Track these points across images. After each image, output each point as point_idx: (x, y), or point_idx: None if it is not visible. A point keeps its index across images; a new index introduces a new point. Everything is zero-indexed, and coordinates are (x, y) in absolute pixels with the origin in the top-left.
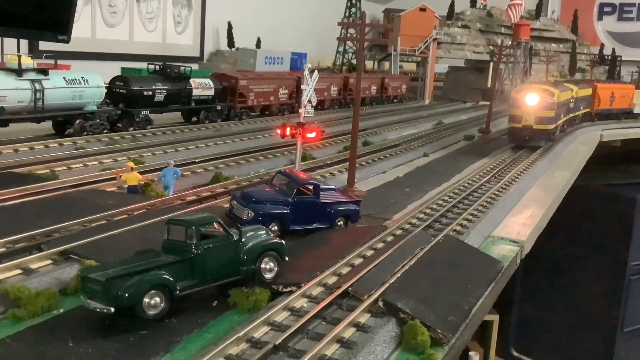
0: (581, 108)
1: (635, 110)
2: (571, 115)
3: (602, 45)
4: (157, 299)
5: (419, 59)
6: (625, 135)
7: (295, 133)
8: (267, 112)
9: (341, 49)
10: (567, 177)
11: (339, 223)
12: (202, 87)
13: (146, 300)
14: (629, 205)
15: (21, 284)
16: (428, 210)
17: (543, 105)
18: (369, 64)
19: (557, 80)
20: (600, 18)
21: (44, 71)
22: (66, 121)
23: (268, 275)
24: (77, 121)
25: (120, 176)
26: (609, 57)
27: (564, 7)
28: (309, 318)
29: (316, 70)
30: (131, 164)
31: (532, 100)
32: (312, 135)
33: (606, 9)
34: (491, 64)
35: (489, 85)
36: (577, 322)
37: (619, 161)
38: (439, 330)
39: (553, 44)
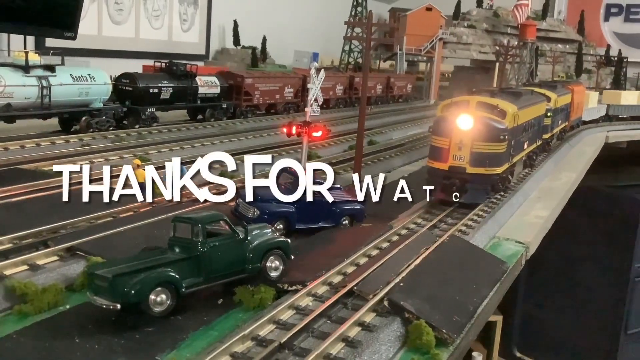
0: (559, 123)
1: (584, 117)
2: (547, 136)
3: (608, 46)
4: (163, 296)
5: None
6: (632, 136)
7: (301, 132)
8: (272, 111)
9: (347, 48)
10: (572, 178)
11: (344, 222)
12: (208, 85)
13: (152, 297)
14: (634, 206)
15: (28, 279)
16: (433, 210)
17: (485, 132)
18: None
19: (523, 86)
20: (606, 19)
21: (50, 68)
22: (72, 118)
23: (273, 274)
24: (84, 118)
25: None
26: (616, 59)
27: (570, 8)
28: (314, 317)
29: (322, 70)
30: (137, 161)
31: (465, 123)
32: (318, 134)
33: (613, 10)
34: (497, 64)
35: (494, 85)
36: (580, 323)
37: (624, 163)
38: (444, 331)
39: (559, 45)
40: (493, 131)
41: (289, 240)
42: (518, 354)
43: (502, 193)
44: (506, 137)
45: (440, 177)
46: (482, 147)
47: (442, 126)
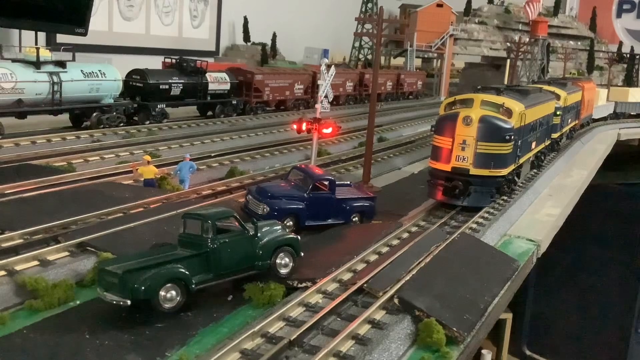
0: (569, 121)
1: (595, 115)
2: (556, 136)
3: (620, 43)
4: (173, 293)
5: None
6: None
7: (311, 128)
8: (282, 107)
9: (357, 44)
10: (584, 175)
11: (354, 219)
12: (218, 81)
13: (162, 293)
14: None
15: (38, 275)
16: (444, 207)
17: (489, 132)
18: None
19: (532, 85)
20: (619, 15)
21: (61, 64)
22: (83, 114)
23: (283, 271)
24: (94, 114)
25: (137, 169)
26: (628, 55)
27: (582, 4)
28: (324, 314)
29: (333, 66)
30: (147, 158)
31: (469, 122)
32: (329, 130)
33: (625, 7)
34: (508, 60)
35: (505, 82)
36: (590, 322)
37: (636, 160)
38: (454, 329)
39: (571, 41)
40: (498, 131)
41: (299, 237)
42: (528, 352)
43: (509, 195)
44: (512, 137)
45: (441, 179)
46: (486, 147)
47: (444, 125)
